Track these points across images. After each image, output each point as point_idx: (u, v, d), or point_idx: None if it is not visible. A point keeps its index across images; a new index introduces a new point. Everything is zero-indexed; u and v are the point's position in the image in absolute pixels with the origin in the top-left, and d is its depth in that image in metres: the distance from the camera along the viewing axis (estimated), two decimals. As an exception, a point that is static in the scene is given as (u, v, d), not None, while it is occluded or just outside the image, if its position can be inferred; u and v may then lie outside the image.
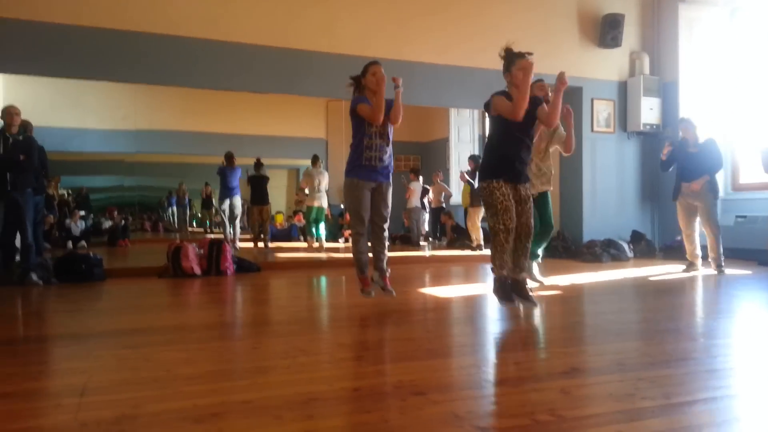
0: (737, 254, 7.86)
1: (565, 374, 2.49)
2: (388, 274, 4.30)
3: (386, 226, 4.27)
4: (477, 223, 9.25)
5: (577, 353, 2.89)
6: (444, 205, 11.46)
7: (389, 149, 4.22)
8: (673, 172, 6.74)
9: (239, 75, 7.25)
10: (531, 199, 3.94)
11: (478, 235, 9.23)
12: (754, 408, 2.13)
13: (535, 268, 5.17)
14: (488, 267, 4.06)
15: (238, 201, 9.73)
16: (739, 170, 8.43)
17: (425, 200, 11.26)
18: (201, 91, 10.05)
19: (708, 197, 6.28)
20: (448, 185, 12.06)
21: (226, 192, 9.64)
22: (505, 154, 3.83)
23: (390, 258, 4.40)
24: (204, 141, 13.85)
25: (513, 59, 3.72)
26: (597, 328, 3.62)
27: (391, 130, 4.23)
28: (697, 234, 6.52)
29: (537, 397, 2.19)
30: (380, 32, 7.77)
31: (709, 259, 6.45)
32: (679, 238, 8.16)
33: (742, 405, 2.16)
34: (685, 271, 6.50)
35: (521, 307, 3.89)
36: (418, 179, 11.03)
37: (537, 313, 3.95)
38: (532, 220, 3.88)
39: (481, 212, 8.43)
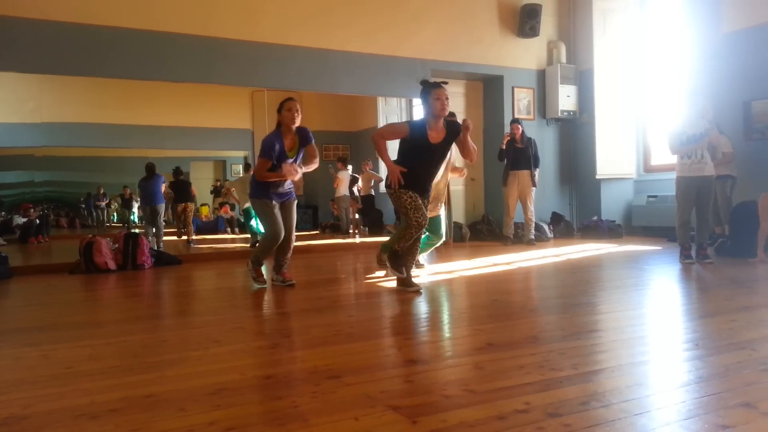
0: (649, 232, 8.28)
1: (480, 350, 2.51)
2: (285, 269, 4.59)
3: (294, 237, 4.55)
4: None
5: (493, 330, 2.93)
6: (373, 192, 11.44)
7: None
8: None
9: (155, 64, 6.90)
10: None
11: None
12: (657, 373, 2.22)
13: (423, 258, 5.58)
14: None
15: (161, 206, 9.39)
16: (650, 153, 8.86)
17: (354, 189, 11.20)
18: (117, 81, 9.51)
19: (531, 185, 7.82)
20: (378, 173, 12.04)
21: (147, 197, 9.31)
22: (417, 173, 3.98)
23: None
24: (123, 134, 13.14)
25: (429, 89, 3.72)
26: (515, 305, 3.70)
27: (299, 161, 4.44)
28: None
29: (451, 374, 2.20)
30: (303, 21, 7.61)
31: (525, 232, 7.92)
32: (595, 218, 8.53)
33: (646, 371, 2.24)
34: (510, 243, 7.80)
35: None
36: (346, 168, 10.96)
37: (459, 293, 4.00)
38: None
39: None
